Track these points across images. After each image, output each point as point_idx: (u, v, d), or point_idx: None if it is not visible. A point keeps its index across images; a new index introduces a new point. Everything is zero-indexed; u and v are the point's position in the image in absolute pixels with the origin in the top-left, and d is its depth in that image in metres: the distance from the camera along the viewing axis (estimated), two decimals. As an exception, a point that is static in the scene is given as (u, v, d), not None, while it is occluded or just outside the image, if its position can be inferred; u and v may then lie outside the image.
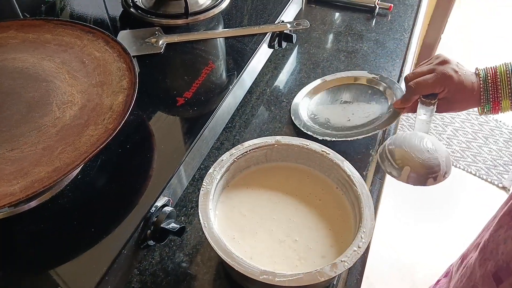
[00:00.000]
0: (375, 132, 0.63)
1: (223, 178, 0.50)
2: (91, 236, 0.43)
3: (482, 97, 0.59)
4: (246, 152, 0.51)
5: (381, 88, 0.71)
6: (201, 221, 0.43)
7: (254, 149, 0.51)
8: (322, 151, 0.51)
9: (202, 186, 0.46)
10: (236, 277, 0.48)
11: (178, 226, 0.46)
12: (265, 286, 0.41)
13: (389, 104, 0.68)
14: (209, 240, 0.42)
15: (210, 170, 0.48)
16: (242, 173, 0.53)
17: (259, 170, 0.54)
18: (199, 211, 0.44)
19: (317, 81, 0.75)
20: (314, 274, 0.40)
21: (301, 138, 0.53)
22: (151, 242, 0.47)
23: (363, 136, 0.62)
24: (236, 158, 0.50)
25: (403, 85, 0.67)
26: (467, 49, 2.50)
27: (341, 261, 0.41)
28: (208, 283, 0.50)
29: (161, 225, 0.45)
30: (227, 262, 0.40)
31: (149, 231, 0.45)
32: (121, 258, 0.42)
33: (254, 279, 0.39)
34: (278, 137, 0.52)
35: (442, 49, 2.21)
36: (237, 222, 0.48)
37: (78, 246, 0.42)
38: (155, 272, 0.51)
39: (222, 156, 0.50)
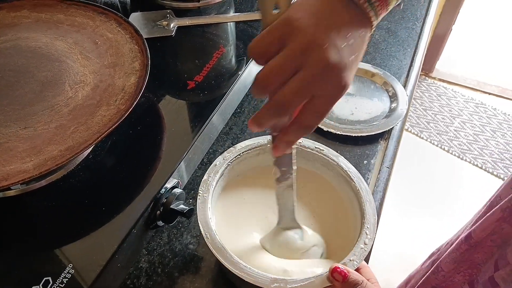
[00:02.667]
0: (379, 131, 0.63)
1: (219, 183, 0.48)
2: (102, 215, 0.44)
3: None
4: (239, 154, 0.50)
5: (383, 85, 0.71)
6: (202, 232, 0.42)
7: (247, 150, 0.50)
8: (316, 147, 0.50)
9: (198, 194, 0.45)
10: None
11: (187, 207, 0.47)
12: None
13: (390, 102, 0.68)
14: (214, 252, 0.40)
15: (205, 177, 0.46)
16: (238, 176, 0.52)
17: (255, 172, 0.53)
18: (198, 222, 0.42)
19: None
20: (325, 277, 0.39)
21: None
22: (160, 223, 0.47)
23: (367, 134, 0.63)
24: (229, 162, 0.49)
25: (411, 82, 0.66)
26: (478, 41, 2.47)
27: (350, 260, 0.40)
28: (214, 264, 0.50)
29: (171, 206, 0.46)
30: (236, 273, 0.39)
31: (158, 212, 0.46)
32: (131, 237, 0.43)
33: None
34: (270, 137, 0.51)
35: (453, 41, 2.19)
36: (236, 224, 0.48)
37: (89, 224, 0.43)
38: (163, 253, 0.51)
39: (215, 160, 0.48)
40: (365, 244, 0.42)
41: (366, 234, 0.43)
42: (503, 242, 0.53)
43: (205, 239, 0.41)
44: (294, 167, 0.41)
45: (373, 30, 0.34)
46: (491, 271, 0.52)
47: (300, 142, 0.51)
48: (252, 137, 0.59)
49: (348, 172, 0.48)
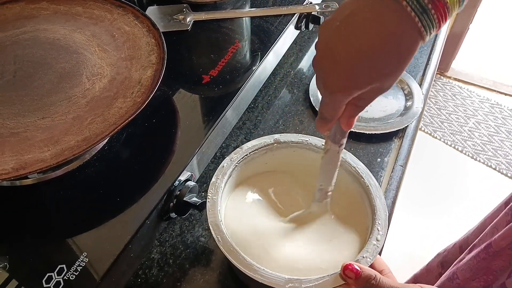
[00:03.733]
0: (394, 129, 0.63)
1: (228, 184, 0.48)
2: (116, 205, 0.44)
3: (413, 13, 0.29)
4: (246, 155, 0.49)
5: (398, 83, 0.71)
6: (214, 235, 0.42)
7: (254, 151, 0.50)
8: (323, 145, 0.49)
9: (208, 197, 0.45)
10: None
11: (200, 200, 0.47)
12: None
13: (405, 101, 0.68)
14: (227, 255, 0.40)
15: (213, 180, 0.47)
16: (246, 176, 0.52)
17: (263, 171, 0.53)
18: (209, 225, 0.42)
19: None
20: (338, 275, 0.39)
21: (300, 134, 0.51)
22: (173, 215, 0.48)
23: (381, 132, 0.62)
24: (237, 163, 0.49)
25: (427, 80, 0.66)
26: (495, 41, 2.43)
27: (363, 257, 0.40)
28: (225, 258, 0.51)
29: (184, 199, 0.46)
30: (250, 275, 0.39)
31: (171, 204, 0.47)
32: (144, 228, 0.43)
33: None
34: (276, 136, 0.51)
35: (470, 40, 2.16)
36: (247, 223, 0.48)
37: (103, 214, 0.44)
38: (175, 244, 0.52)
39: (223, 162, 0.48)
40: (377, 240, 0.42)
41: (378, 230, 0.43)
42: None
43: (217, 242, 0.41)
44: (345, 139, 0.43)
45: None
46: (504, 277, 0.52)
47: (307, 140, 0.51)
48: (264, 134, 0.59)
49: (357, 169, 0.48)
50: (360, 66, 0.32)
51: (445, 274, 0.65)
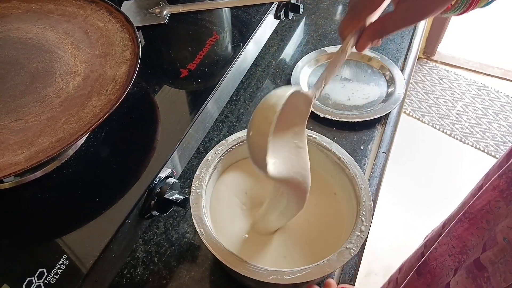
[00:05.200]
0: (376, 116, 0.62)
1: (212, 178, 0.48)
2: (96, 205, 0.43)
3: None
4: (231, 147, 0.49)
5: (380, 70, 0.70)
6: (197, 228, 0.41)
7: (239, 143, 0.49)
8: (309, 136, 0.49)
9: (192, 190, 0.45)
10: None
11: (182, 197, 0.46)
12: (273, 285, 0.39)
13: (387, 87, 0.67)
14: (210, 248, 0.40)
15: (197, 173, 0.46)
16: (230, 168, 0.51)
17: (247, 162, 0.52)
18: (193, 218, 0.42)
19: (317, 52, 0.73)
20: (322, 266, 0.39)
21: None
22: (155, 213, 0.47)
23: (364, 119, 0.62)
24: (222, 155, 0.48)
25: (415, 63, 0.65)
26: (481, 23, 2.44)
27: (346, 248, 0.40)
28: (211, 253, 0.51)
29: (165, 196, 0.46)
30: (233, 268, 0.39)
31: (153, 202, 0.46)
32: (125, 228, 0.43)
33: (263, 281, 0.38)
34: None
35: (455, 23, 2.16)
36: (231, 216, 0.47)
37: (83, 215, 0.43)
38: (160, 242, 0.52)
39: (207, 155, 0.48)
40: (361, 231, 0.41)
41: (362, 221, 0.42)
42: (495, 224, 0.51)
43: (200, 235, 0.41)
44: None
45: None
46: (478, 254, 0.51)
47: None
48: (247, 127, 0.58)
49: (342, 159, 0.47)
50: None
51: (423, 250, 0.65)
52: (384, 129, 0.63)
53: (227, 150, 0.49)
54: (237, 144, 0.50)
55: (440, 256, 0.59)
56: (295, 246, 0.45)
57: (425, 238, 0.80)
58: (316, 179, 0.50)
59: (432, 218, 1.58)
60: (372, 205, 0.44)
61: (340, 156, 0.48)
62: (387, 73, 0.70)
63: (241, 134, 0.50)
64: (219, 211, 0.47)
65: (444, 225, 0.75)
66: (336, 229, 0.46)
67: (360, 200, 0.44)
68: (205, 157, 0.48)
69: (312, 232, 0.47)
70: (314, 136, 0.49)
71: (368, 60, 0.72)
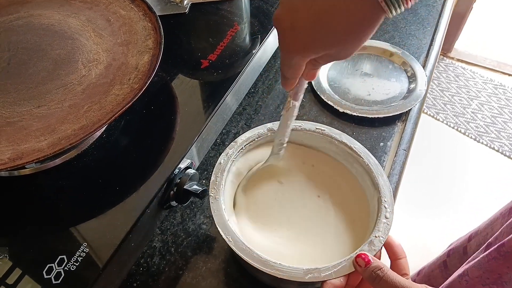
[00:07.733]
0: (397, 113, 0.61)
1: (228, 181, 0.47)
2: (116, 194, 0.44)
3: None
4: (242, 148, 0.48)
5: (401, 65, 0.69)
6: (223, 236, 0.40)
7: (249, 143, 0.49)
8: (317, 128, 0.49)
9: (210, 197, 0.44)
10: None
11: (201, 188, 0.46)
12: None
13: (409, 83, 0.66)
14: (240, 254, 0.39)
15: (212, 178, 0.45)
16: (245, 170, 0.51)
17: (260, 163, 0.51)
18: (217, 226, 0.41)
19: None
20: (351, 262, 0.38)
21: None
22: (173, 203, 0.47)
23: (384, 115, 0.61)
24: (234, 158, 0.48)
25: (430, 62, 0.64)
26: (499, 20, 2.39)
27: (375, 236, 0.40)
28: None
29: (184, 187, 0.46)
30: (267, 272, 0.38)
31: (172, 192, 0.46)
32: (144, 217, 0.43)
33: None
34: (268, 125, 0.50)
35: (473, 20, 2.12)
36: (255, 217, 0.47)
37: (103, 203, 0.43)
38: (176, 232, 0.52)
39: (219, 158, 0.47)
40: (386, 218, 0.41)
41: (385, 208, 0.42)
42: None
43: (228, 243, 0.40)
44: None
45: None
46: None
47: (300, 126, 0.50)
48: (265, 120, 0.58)
49: (354, 148, 0.47)
50: (318, 29, 0.31)
51: (457, 270, 0.65)
52: (405, 126, 0.62)
53: (238, 152, 0.48)
54: (247, 144, 0.49)
55: (472, 282, 0.59)
56: (320, 243, 0.45)
57: (449, 246, 0.79)
58: (334, 170, 0.50)
59: (442, 218, 1.57)
60: (391, 191, 0.43)
61: (351, 145, 0.47)
62: (409, 69, 0.68)
63: (250, 134, 0.49)
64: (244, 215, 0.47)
65: (471, 238, 0.74)
66: (361, 220, 0.46)
67: (379, 187, 0.44)
68: (218, 161, 0.47)
69: (334, 226, 0.46)
70: (322, 128, 0.49)
71: (389, 55, 0.71)
